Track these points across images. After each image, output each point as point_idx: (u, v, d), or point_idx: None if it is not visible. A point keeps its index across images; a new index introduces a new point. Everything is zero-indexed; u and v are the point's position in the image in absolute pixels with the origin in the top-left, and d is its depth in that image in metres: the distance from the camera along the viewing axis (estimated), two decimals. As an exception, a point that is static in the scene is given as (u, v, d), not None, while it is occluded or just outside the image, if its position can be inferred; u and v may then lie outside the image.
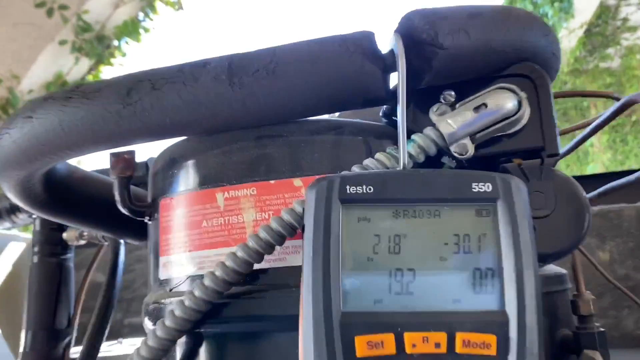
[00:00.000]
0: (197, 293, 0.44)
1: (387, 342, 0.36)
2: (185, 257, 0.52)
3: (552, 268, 0.53)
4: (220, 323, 0.48)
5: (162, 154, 0.55)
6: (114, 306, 0.76)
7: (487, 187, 0.39)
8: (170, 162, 0.53)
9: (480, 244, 0.38)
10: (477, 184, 0.39)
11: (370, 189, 0.39)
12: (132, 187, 0.54)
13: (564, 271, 0.54)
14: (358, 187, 0.39)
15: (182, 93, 0.44)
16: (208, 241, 0.50)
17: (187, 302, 0.44)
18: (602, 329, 0.63)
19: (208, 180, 0.51)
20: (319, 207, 0.38)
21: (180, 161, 0.53)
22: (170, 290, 0.51)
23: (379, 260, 0.38)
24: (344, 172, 0.42)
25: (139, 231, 0.60)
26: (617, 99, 0.65)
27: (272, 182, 0.49)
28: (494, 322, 0.36)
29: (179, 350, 0.50)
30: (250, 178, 0.49)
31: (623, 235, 1.35)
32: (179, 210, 0.53)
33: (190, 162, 0.53)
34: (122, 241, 0.79)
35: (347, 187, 0.39)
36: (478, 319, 0.36)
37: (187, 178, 0.52)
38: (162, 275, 0.53)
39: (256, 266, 0.45)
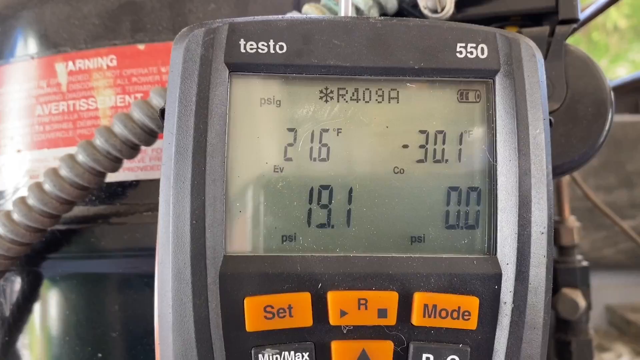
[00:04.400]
0: (16, 216, 0.33)
1: (299, 307, 0.23)
2: (15, 159, 0.38)
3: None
4: (61, 260, 0.36)
5: None
6: None
7: (480, 51, 0.25)
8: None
9: (461, 148, 0.25)
10: (464, 44, 0.25)
11: (281, 48, 0.25)
12: None
13: None
14: (260, 44, 0.25)
15: None
16: (44, 137, 0.37)
17: (1, 230, 0.33)
18: (584, 263, 0.53)
19: (44, 44, 0.37)
20: (189, 77, 0.24)
21: (7, 15, 0.39)
22: None
23: (293, 171, 0.25)
24: (238, 19, 0.24)
25: None
26: None
27: (141, 46, 0.35)
28: (477, 276, 0.24)
29: (11, 288, 0.39)
30: (108, 40, 0.36)
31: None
32: (5, 89, 0.39)
33: (20, 16, 0.38)
34: None
35: (241, 42, 0.25)
36: (451, 270, 0.24)
37: (14, 40, 0.38)
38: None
39: (112, 178, 0.34)
